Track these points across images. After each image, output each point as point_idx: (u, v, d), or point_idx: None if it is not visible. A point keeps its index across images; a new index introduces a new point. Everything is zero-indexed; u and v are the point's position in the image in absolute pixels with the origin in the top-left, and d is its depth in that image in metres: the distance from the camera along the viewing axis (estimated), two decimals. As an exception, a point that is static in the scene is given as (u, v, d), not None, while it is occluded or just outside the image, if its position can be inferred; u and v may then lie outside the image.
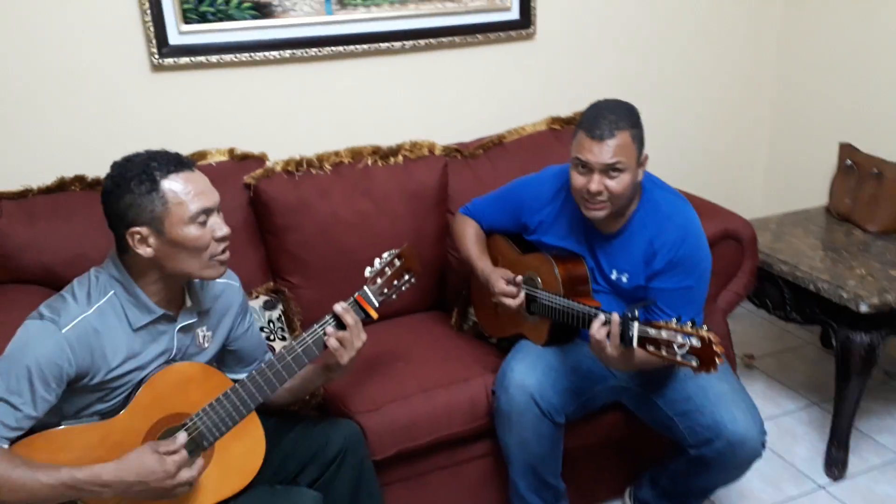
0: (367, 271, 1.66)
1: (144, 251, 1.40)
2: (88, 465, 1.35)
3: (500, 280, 1.92)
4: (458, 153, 2.43)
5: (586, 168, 1.72)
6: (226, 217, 2.08)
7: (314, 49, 2.36)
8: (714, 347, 1.44)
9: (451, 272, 2.36)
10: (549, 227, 1.95)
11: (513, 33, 2.63)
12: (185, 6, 2.18)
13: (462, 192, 2.34)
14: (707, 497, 2.06)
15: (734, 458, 1.79)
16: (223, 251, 1.47)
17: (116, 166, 1.42)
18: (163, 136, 2.19)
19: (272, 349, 1.97)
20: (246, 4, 2.24)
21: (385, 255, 1.69)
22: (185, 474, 1.40)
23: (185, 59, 2.22)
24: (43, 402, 1.34)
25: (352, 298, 1.62)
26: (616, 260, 1.86)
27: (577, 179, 1.75)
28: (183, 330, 1.52)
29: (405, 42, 2.47)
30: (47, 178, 2.06)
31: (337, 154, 2.25)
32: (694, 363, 1.47)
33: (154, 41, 2.17)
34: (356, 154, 2.27)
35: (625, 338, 1.58)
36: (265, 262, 2.22)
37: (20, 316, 1.41)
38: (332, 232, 2.19)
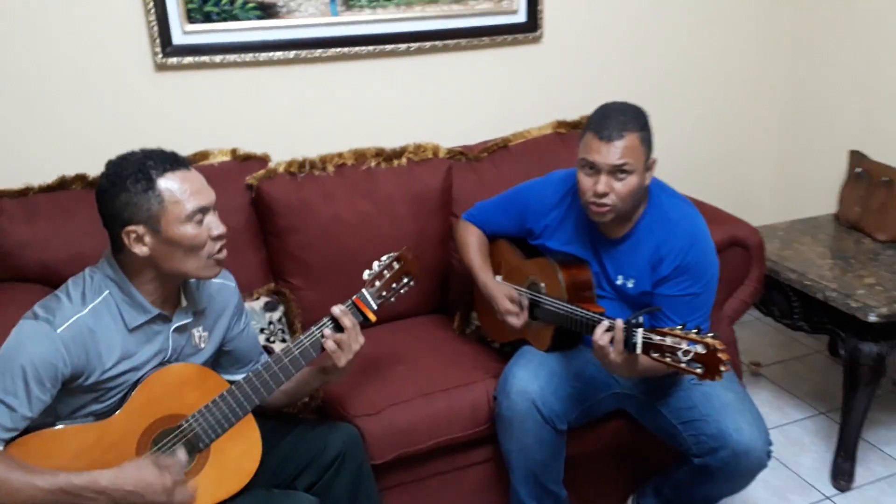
0: (366, 274, 1.65)
1: (140, 250, 1.38)
2: (84, 466, 1.34)
3: (504, 299, 1.91)
4: (463, 156, 2.42)
5: (593, 169, 1.71)
6: (227, 218, 2.08)
7: (319, 50, 2.36)
8: (719, 355, 1.42)
9: (454, 276, 2.34)
10: (553, 232, 1.93)
11: (519, 36, 2.61)
12: (190, 6, 2.18)
13: (466, 195, 2.33)
14: (711, 507, 2.04)
15: (739, 468, 1.76)
16: (220, 250, 1.45)
17: (112, 165, 1.41)
18: (165, 136, 2.17)
19: (272, 351, 1.95)
20: (250, 5, 2.24)
21: (384, 257, 1.68)
22: (180, 495, 1.38)
23: (188, 59, 2.22)
24: (38, 402, 1.33)
25: (350, 301, 1.60)
26: (622, 265, 1.85)
27: (584, 181, 1.73)
28: (178, 330, 1.50)
29: (411, 44, 2.46)
30: (49, 177, 2.05)
31: (340, 156, 2.24)
32: (698, 370, 1.45)
33: (158, 40, 2.17)
34: (359, 156, 2.26)
35: (628, 344, 1.56)
36: (266, 264, 2.21)
37: (19, 314, 1.40)
38: (334, 234, 2.18)
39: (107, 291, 1.42)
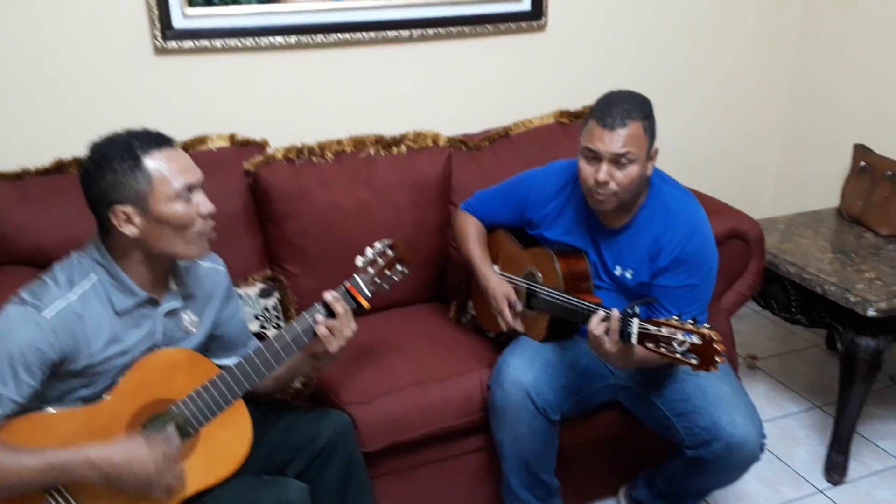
0: (359, 261, 1.63)
1: (129, 231, 1.38)
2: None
3: (503, 300, 1.92)
4: (463, 144, 2.41)
5: (595, 157, 1.70)
6: (224, 203, 2.10)
7: (320, 36, 2.34)
8: (715, 346, 1.42)
9: (452, 265, 2.34)
10: (553, 222, 1.93)
11: (523, 24, 2.59)
12: (190, -11, 2.16)
13: (466, 184, 2.32)
14: (703, 498, 2.04)
15: (732, 461, 1.76)
16: (209, 229, 1.45)
17: (96, 145, 1.40)
18: (164, 120, 2.16)
19: (265, 338, 1.95)
20: (251, -11, 2.22)
21: (377, 244, 1.66)
22: (169, 473, 1.39)
23: (188, 43, 2.21)
24: (26, 387, 1.33)
25: (342, 287, 1.60)
26: (620, 255, 1.84)
27: (585, 169, 1.73)
28: (168, 314, 1.50)
29: (413, 31, 2.44)
30: (45, 160, 2.05)
31: (339, 142, 2.23)
32: (693, 361, 1.45)
33: (158, 24, 2.15)
34: (359, 143, 2.25)
35: (624, 334, 1.56)
36: (263, 250, 2.21)
37: (12, 297, 1.40)
38: (331, 221, 2.17)
39: (94, 275, 1.41)
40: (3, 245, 1.92)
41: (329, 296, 1.56)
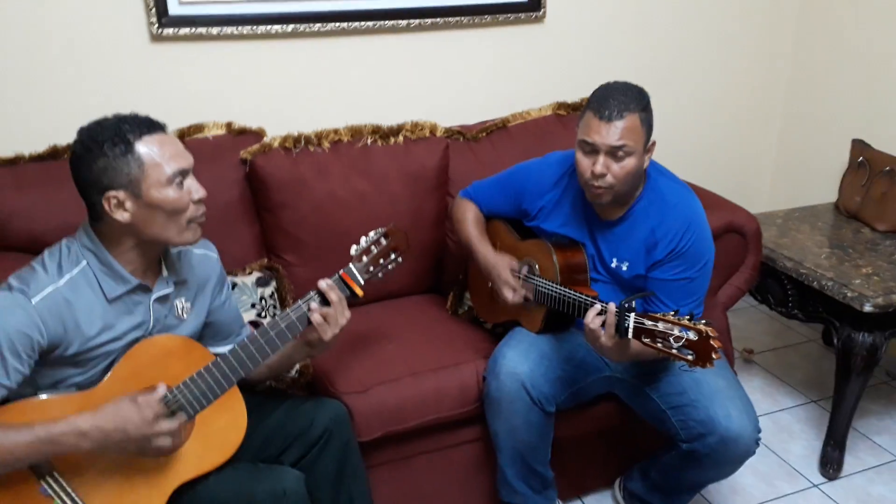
0: (353, 249, 1.64)
1: (121, 216, 1.37)
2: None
3: (505, 269, 1.90)
4: (461, 135, 2.40)
5: (592, 149, 1.69)
6: (221, 192, 2.10)
7: (318, 24, 2.33)
8: (711, 342, 1.42)
9: (449, 255, 2.33)
10: (549, 214, 1.92)
11: (522, 15, 2.58)
12: (187, -25, 2.15)
13: (463, 175, 2.31)
14: (698, 492, 2.04)
15: (727, 455, 1.76)
16: (201, 214, 1.44)
17: (85, 130, 1.38)
18: (160, 107, 2.13)
19: (261, 326, 1.94)
20: (249, -24, 2.21)
21: (372, 233, 1.66)
22: (165, 425, 1.38)
23: (185, 30, 2.19)
24: (16, 372, 1.32)
25: (336, 275, 1.59)
26: (617, 248, 1.83)
27: (582, 161, 1.72)
28: (159, 300, 1.49)
29: (411, 20, 2.43)
30: (40, 146, 2.04)
31: (336, 132, 2.22)
32: (690, 357, 1.44)
33: (154, 11, 2.14)
34: (356, 132, 2.24)
35: (620, 328, 1.55)
36: (260, 239, 2.20)
37: (7, 284, 1.39)
38: (328, 211, 2.16)
39: (84, 262, 1.40)
40: (-3, 231, 1.91)
41: (323, 284, 1.56)
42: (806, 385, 2.76)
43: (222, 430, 1.50)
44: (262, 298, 2.04)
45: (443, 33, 2.51)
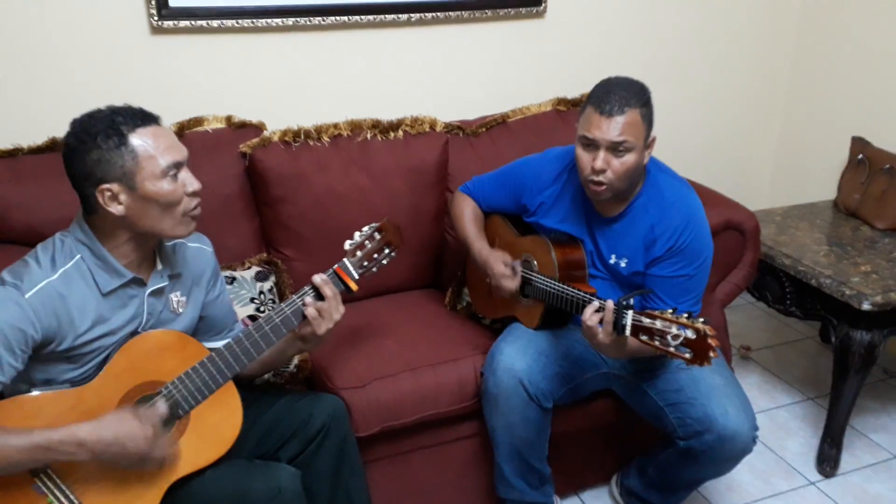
0: (347, 244, 1.64)
1: (116, 209, 1.36)
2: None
3: (498, 262, 1.89)
4: (460, 130, 2.39)
5: (592, 145, 1.68)
6: (220, 186, 2.09)
7: (318, 18, 2.32)
8: (709, 340, 1.41)
9: (448, 251, 2.33)
10: (549, 210, 1.92)
11: (522, 10, 2.58)
12: (187, -32, 2.14)
13: (462, 170, 2.31)
14: (695, 489, 2.05)
15: (724, 453, 1.76)
16: (195, 207, 1.44)
17: (78, 123, 1.38)
18: (159, 100, 2.13)
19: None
20: (249, -31, 2.20)
21: (365, 228, 1.67)
22: (162, 444, 1.38)
23: (185, 23, 2.18)
24: (9, 367, 1.31)
25: (331, 270, 1.59)
26: (616, 244, 1.83)
27: (583, 157, 1.71)
28: (154, 294, 1.49)
29: (412, 14, 2.42)
30: (38, 138, 2.03)
31: (336, 126, 2.21)
32: (687, 355, 1.44)
33: (154, 3, 2.13)
34: (355, 127, 2.23)
35: (618, 325, 1.55)
36: (259, 233, 2.20)
37: (5, 277, 1.38)
38: (327, 206, 2.16)
39: (78, 255, 1.40)
40: (-5, 223, 1.90)
41: (318, 279, 1.56)
42: (803, 382, 2.76)
43: (218, 425, 1.50)
44: (261, 293, 2.04)
45: (443, 28, 2.50)
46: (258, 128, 2.24)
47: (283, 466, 1.56)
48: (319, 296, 1.56)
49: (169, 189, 1.38)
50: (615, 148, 1.66)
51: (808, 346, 3.01)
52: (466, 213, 2.06)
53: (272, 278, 2.10)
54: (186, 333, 1.53)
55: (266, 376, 1.84)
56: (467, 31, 2.54)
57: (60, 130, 2.01)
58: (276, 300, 2.07)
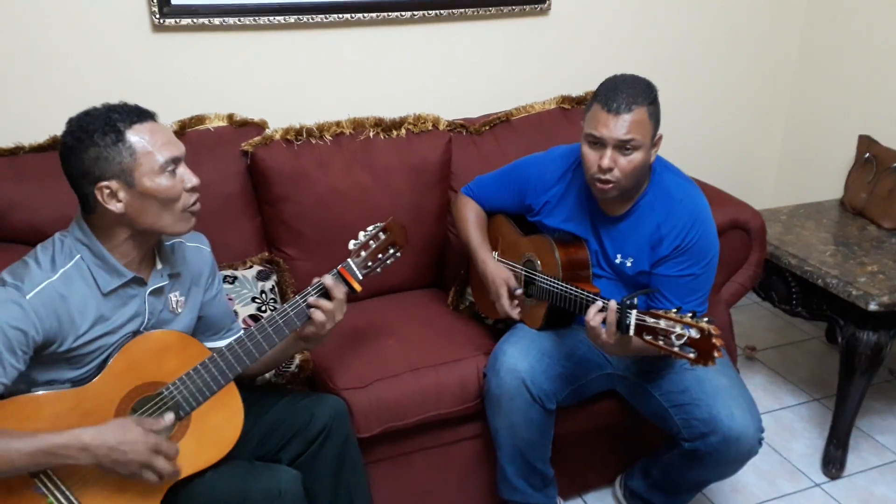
0: (351, 244, 1.63)
1: (115, 207, 1.36)
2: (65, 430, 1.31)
3: (503, 286, 1.88)
4: (464, 129, 2.38)
5: (599, 143, 1.66)
6: (222, 184, 2.08)
7: (320, 15, 2.31)
8: (713, 340, 1.40)
9: (451, 250, 2.32)
10: (553, 209, 1.90)
11: (527, 8, 2.56)
12: (189, -35, 2.13)
13: (465, 168, 2.29)
14: (699, 491, 2.03)
15: (729, 455, 1.75)
16: (194, 202, 1.43)
17: (74, 121, 1.38)
18: (161, 98, 2.13)
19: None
20: (251, -34, 2.18)
21: (370, 228, 1.66)
22: (161, 462, 1.37)
23: (186, 20, 2.17)
24: (11, 368, 1.30)
25: (335, 271, 1.58)
26: (621, 244, 1.82)
27: (589, 155, 1.69)
28: (154, 293, 1.48)
29: (415, 12, 2.41)
30: (40, 137, 2.02)
31: (338, 124, 2.20)
32: (691, 355, 1.43)
33: (155, 0, 2.12)
34: (358, 125, 2.22)
35: (621, 325, 1.54)
36: (261, 232, 2.19)
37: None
38: (329, 204, 2.15)
39: (78, 255, 1.39)
40: (-3, 222, 1.89)
41: (329, 280, 1.55)
42: (809, 383, 2.75)
43: (219, 427, 1.49)
44: (262, 292, 2.03)
45: (447, 25, 2.49)
46: (260, 126, 2.22)
47: (283, 468, 1.55)
48: (324, 295, 1.55)
49: (168, 185, 1.37)
50: (622, 146, 1.64)
51: (814, 346, 2.99)
52: (469, 217, 2.04)
53: (274, 277, 2.09)
54: (186, 333, 1.52)
55: (267, 376, 1.83)
56: (471, 28, 2.52)
57: (61, 129, 2.01)
58: (278, 300, 2.06)
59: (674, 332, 1.44)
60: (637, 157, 1.66)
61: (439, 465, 2.00)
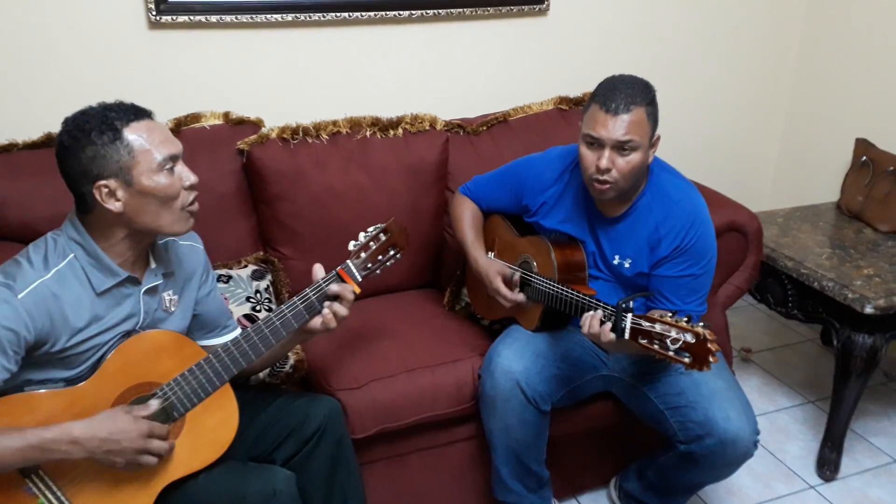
0: (351, 245, 1.62)
1: (114, 206, 1.35)
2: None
3: (497, 277, 1.87)
4: (461, 129, 2.37)
5: (597, 144, 1.66)
6: (217, 183, 2.07)
7: (318, 14, 2.30)
8: (709, 345, 1.39)
9: (447, 251, 2.31)
10: (550, 210, 1.90)
11: (525, 8, 2.56)
12: (186, -38, 2.11)
13: (462, 169, 2.29)
14: (694, 493, 2.03)
15: (725, 457, 1.75)
16: (193, 201, 1.42)
17: (71, 120, 1.37)
18: (157, 96, 2.14)
19: (257, 320, 1.92)
20: (248, -37, 2.17)
21: (370, 228, 1.65)
22: (156, 444, 1.36)
23: (183, 18, 2.16)
24: (3, 370, 1.29)
25: (334, 272, 1.57)
26: (619, 245, 1.82)
27: (587, 156, 1.69)
28: (149, 292, 1.47)
29: (413, 11, 2.40)
30: (34, 134, 2.01)
31: (335, 123, 2.19)
32: (686, 360, 1.43)
33: (152, -3, 2.11)
34: (355, 124, 2.21)
35: (617, 328, 1.54)
36: (256, 231, 2.18)
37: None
38: (326, 204, 2.14)
39: (71, 255, 1.38)
40: (-10, 219, 1.88)
41: (336, 288, 1.55)
42: (804, 385, 2.75)
43: (213, 428, 1.48)
44: (257, 291, 2.02)
45: (445, 25, 2.48)
46: (256, 124, 2.22)
47: (278, 469, 1.54)
48: (329, 297, 1.55)
49: (166, 183, 1.37)
50: (620, 147, 1.64)
51: (809, 348, 3.00)
52: (465, 216, 2.04)
53: (269, 277, 2.08)
54: (180, 333, 1.52)
55: (261, 376, 1.82)
56: (469, 28, 2.52)
57: (56, 126, 1.97)
58: (273, 299, 2.05)
59: (669, 337, 1.44)
60: (635, 157, 1.66)
61: (434, 466, 1.99)
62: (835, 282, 2.19)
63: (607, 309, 1.58)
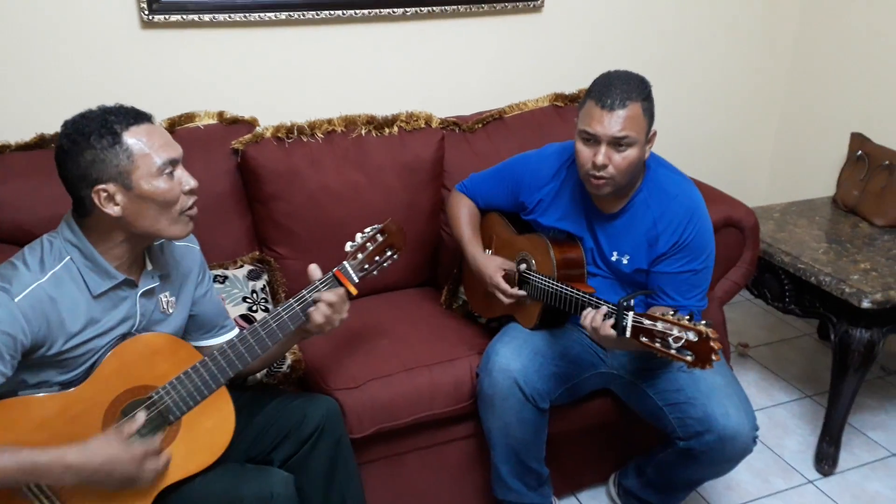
0: (348, 246, 1.61)
1: (112, 210, 1.34)
2: (47, 437, 1.29)
3: (497, 273, 1.87)
4: (456, 126, 2.36)
5: (593, 140, 1.65)
6: (212, 182, 2.06)
7: (311, 12, 2.28)
8: (711, 343, 1.39)
9: (444, 249, 2.31)
10: (547, 207, 1.89)
11: (520, 4, 2.55)
12: (178, -40, 2.10)
13: (458, 166, 2.28)
14: (693, 489, 2.03)
15: (724, 453, 1.74)
16: (192, 205, 1.41)
17: (70, 124, 1.35)
18: (150, 96, 2.13)
19: (252, 321, 1.91)
20: (241, -39, 2.16)
21: (367, 229, 1.64)
22: (151, 465, 1.36)
23: (176, 17, 2.15)
24: None
25: (330, 273, 1.57)
26: (617, 241, 1.81)
27: (583, 152, 1.68)
28: (145, 294, 1.46)
29: (407, 9, 2.39)
30: (26, 135, 2.00)
31: (330, 122, 2.18)
32: (689, 358, 1.42)
33: (144, -4, 2.10)
34: (350, 123, 2.20)
35: (618, 327, 1.53)
36: (251, 231, 2.17)
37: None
38: (321, 203, 2.13)
39: (68, 257, 1.37)
40: (-18, 222, 1.87)
41: (329, 295, 1.55)
42: (801, 380, 2.75)
43: (209, 431, 1.47)
44: (253, 292, 2.01)
45: (439, 22, 2.47)
46: (250, 124, 2.20)
47: (275, 471, 1.53)
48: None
49: (165, 187, 1.35)
50: (617, 143, 1.64)
51: (807, 343, 3.00)
52: (462, 213, 2.03)
53: (265, 277, 2.07)
54: (177, 334, 1.51)
55: (259, 376, 1.81)
56: (463, 25, 2.51)
57: (49, 127, 2.01)
58: (269, 299, 2.04)
59: (671, 335, 1.43)
60: (631, 153, 1.65)
61: (433, 465, 1.98)
62: (831, 276, 2.19)
63: (608, 307, 1.58)
